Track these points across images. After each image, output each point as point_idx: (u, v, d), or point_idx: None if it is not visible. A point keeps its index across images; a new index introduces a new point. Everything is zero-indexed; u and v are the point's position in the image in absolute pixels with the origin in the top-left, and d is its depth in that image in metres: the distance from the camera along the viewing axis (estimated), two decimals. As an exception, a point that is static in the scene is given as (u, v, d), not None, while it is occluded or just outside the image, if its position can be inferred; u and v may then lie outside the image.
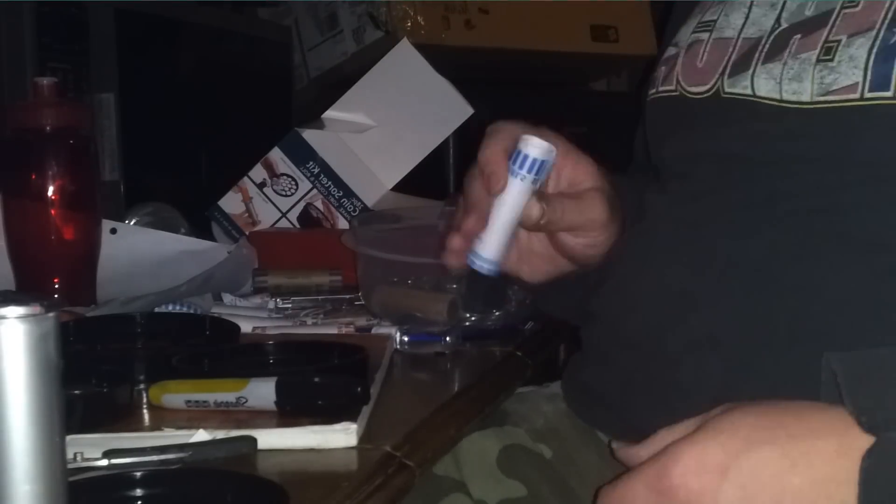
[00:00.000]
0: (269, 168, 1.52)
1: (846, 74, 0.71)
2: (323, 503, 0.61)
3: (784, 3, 0.78)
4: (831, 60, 0.72)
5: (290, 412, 0.73)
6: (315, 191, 1.52)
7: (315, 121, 1.56)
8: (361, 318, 1.11)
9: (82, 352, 0.87)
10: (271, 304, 1.20)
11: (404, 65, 1.55)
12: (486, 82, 1.95)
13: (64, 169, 1.12)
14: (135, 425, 0.72)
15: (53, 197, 1.11)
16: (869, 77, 0.70)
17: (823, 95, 0.72)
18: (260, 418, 0.73)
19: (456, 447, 0.86)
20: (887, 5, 0.71)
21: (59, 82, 1.18)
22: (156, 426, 0.71)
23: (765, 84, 0.76)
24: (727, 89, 0.78)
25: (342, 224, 1.51)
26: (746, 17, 0.80)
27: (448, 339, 1.00)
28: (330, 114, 1.57)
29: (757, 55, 0.78)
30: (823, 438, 0.58)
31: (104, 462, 0.64)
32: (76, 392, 0.71)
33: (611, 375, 0.84)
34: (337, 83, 1.76)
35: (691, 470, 0.59)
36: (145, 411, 0.78)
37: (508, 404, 0.95)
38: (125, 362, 0.85)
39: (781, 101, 0.75)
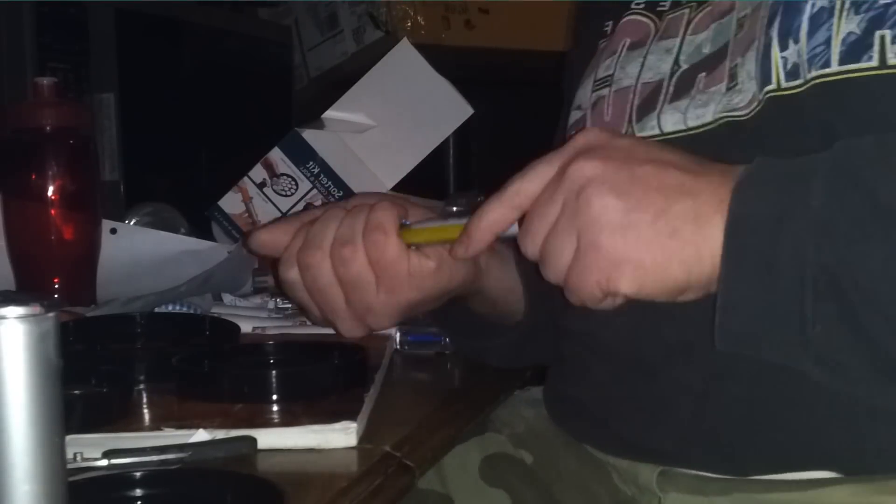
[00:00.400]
0: (269, 168, 1.52)
1: (748, 91, 0.73)
2: (323, 503, 0.61)
3: (680, 47, 0.80)
4: (736, 84, 0.74)
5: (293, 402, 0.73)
6: (315, 191, 1.52)
7: (315, 121, 1.56)
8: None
9: (82, 352, 0.87)
10: (271, 304, 1.20)
11: (404, 65, 1.55)
12: (486, 82, 1.95)
13: (64, 169, 1.12)
14: (134, 425, 0.72)
15: (53, 197, 1.11)
16: (759, 80, 0.72)
17: (725, 112, 0.74)
18: (259, 418, 0.73)
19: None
20: (761, 14, 0.73)
21: (59, 82, 1.18)
22: (155, 426, 0.71)
23: (671, 118, 0.78)
24: (637, 134, 0.80)
25: (342, 224, 1.51)
26: (642, 66, 0.82)
27: (448, 339, 1.00)
28: (330, 114, 1.57)
29: (662, 96, 0.79)
30: (709, 160, 0.67)
31: (104, 462, 0.64)
32: (76, 392, 0.71)
33: (590, 387, 0.84)
34: (337, 83, 1.76)
35: (595, 128, 0.69)
36: (145, 411, 0.78)
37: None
38: (125, 362, 0.85)
39: (687, 129, 0.77)
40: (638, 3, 0.86)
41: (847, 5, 0.68)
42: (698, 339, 0.70)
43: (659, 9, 0.84)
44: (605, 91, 0.84)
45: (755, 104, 0.72)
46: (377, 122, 1.56)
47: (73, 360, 0.66)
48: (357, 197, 0.87)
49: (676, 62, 0.80)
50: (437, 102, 1.56)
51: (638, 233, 0.63)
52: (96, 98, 1.41)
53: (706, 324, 0.64)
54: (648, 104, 0.80)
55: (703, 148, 0.71)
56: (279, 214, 1.52)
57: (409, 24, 1.90)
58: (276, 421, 0.73)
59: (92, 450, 0.64)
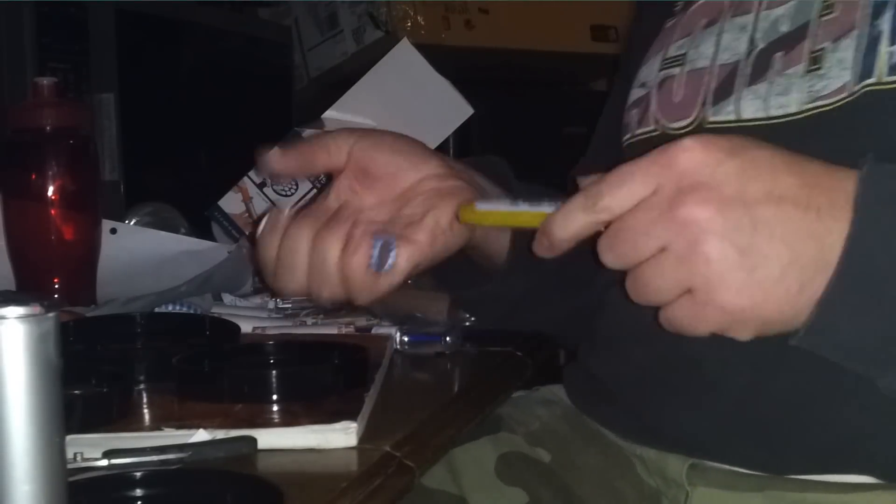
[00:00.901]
0: (269, 168, 1.51)
1: (836, 78, 0.71)
2: (323, 503, 0.61)
3: (756, 24, 0.77)
4: (820, 69, 0.72)
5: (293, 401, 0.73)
6: (315, 191, 1.52)
7: (315, 121, 1.56)
8: (361, 318, 1.11)
9: (82, 352, 0.87)
10: (271, 304, 1.20)
11: (404, 65, 1.55)
12: (486, 82, 1.95)
13: (64, 169, 1.12)
14: (134, 425, 0.72)
15: (53, 197, 1.11)
16: (858, 72, 0.70)
17: (811, 102, 0.72)
18: (260, 418, 0.73)
19: (450, 459, 0.85)
20: (862, 3, 0.71)
21: (59, 82, 1.18)
22: (155, 426, 0.71)
23: (750, 105, 0.75)
24: (711, 118, 0.77)
25: (342, 224, 1.50)
26: (717, 45, 0.79)
27: (448, 339, 1.00)
28: (330, 114, 1.56)
29: (739, 79, 0.77)
30: (813, 161, 0.61)
31: (104, 462, 0.64)
32: (76, 392, 0.71)
33: (625, 370, 0.82)
34: (337, 83, 1.76)
35: (697, 146, 0.60)
36: (145, 411, 0.78)
37: (501, 409, 0.94)
38: (125, 362, 0.85)
39: (768, 118, 0.74)
40: None
41: None
42: None
43: None
44: (676, 70, 0.82)
45: (845, 94, 0.70)
46: (377, 122, 1.56)
47: (73, 360, 0.66)
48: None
49: (752, 41, 0.77)
50: (437, 102, 1.56)
51: (765, 293, 0.59)
52: (96, 98, 1.41)
53: None
54: (725, 87, 0.77)
55: (787, 139, 0.68)
56: (279, 214, 1.52)
57: (409, 24, 1.90)
58: (276, 421, 0.73)
59: (92, 450, 0.64)
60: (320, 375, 0.80)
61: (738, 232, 0.58)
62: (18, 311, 0.43)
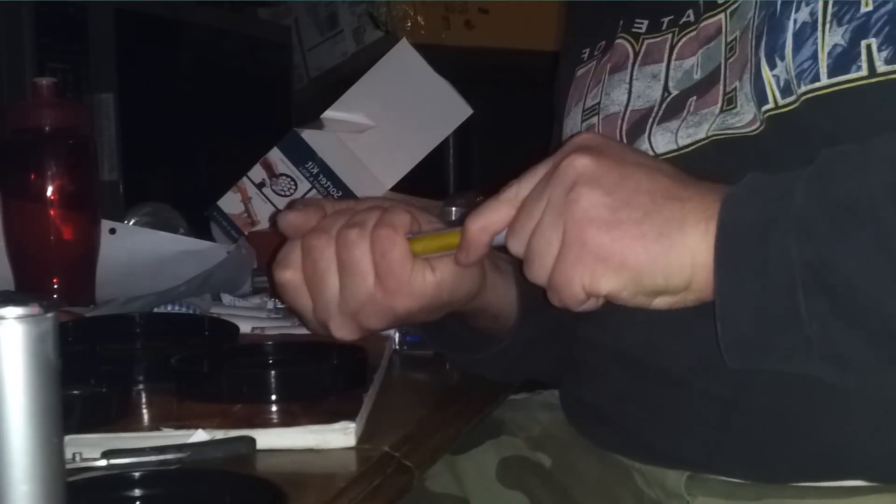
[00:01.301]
0: (269, 168, 1.52)
1: (747, 112, 0.73)
2: (321, 503, 0.61)
3: (668, 73, 0.80)
4: (735, 107, 0.74)
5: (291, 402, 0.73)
6: (314, 191, 1.52)
7: (314, 121, 1.56)
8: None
9: (81, 352, 0.87)
10: (270, 305, 1.20)
11: (404, 65, 1.55)
12: (486, 82, 1.95)
13: (63, 169, 1.12)
14: (134, 425, 0.72)
15: (53, 197, 1.11)
16: (755, 101, 0.72)
17: (721, 131, 0.74)
18: (258, 418, 0.73)
19: (453, 463, 0.86)
20: (749, 36, 0.74)
21: (59, 82, 1.18)
22: (154, 426, 0.71)
23: (662, 139, 0.78)
24: None
25: (342, 224, 1.50)
26: (629, 92, 0.82)
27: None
28: (329, 114, 1.57)
29: (651, 119, 0.79)
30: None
31: (103, 462, 0.64)
32: (75, 392, 0.71)
33: (611, 395, 0.83)
34: (337, 83, 1.76)
35: (591, 133, 0.71)
36: (144, 411, 0.78)
37: (502, 412, 0.94)
38: (124, 363, 0.85)
39: (679, 148, 0.77)
40: (619, 26, 0.86)
41: (829, 18, 0.69)
42: None
43: (634, 30, 0.85)
44: (595, 119, 0.85)
45: (757, 124, 0.72)
46: (377, 122, 1.56)
47: (73, 361, 0.66)
48: (370, 199, 0.86)
49: (666, 88, 0.80)
50: (437, 102, 1.56)
51: (624, 232, 0.63)
52: (96, 98, 1.41)
53: None
54: (638, 127, 0.80)
55: (698, 166, 0.71)
56: (279, 215, 1.52)
57: (409, 24, 1.90)
58: (275, 421, 0.73)
59: (91, 450, 0.64)
60: (319, 376, 0.80)
61: (607, 177, 0.65)
62: (17, 311, 0.43)
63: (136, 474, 0.62)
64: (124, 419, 0.73)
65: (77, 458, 0.63)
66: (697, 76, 0.78)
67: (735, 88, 0.74)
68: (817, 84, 0.68)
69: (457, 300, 0.80)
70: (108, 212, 1.26)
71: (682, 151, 0.76)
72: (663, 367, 0.77)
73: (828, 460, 0.71)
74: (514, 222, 0.69)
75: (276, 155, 1.51)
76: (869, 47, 0.67)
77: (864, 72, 0.67)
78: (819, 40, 0.69)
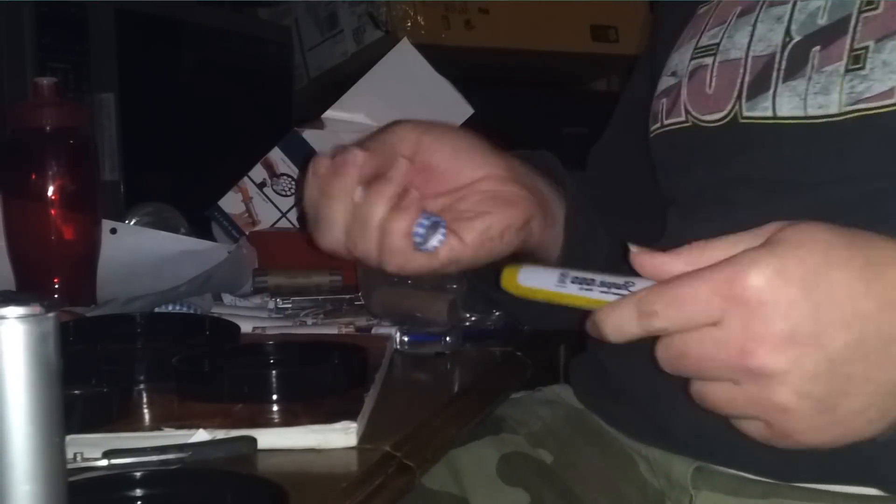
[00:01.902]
0: (269, 168, 1.52)
1: (881, 81, 0.68)
2: (322, 503, 0.61)
3: (792, 15, 0.75)
4: (862, 69, 0.69)
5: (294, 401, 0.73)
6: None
7: (315, 121, 1.56)
8: (361, 318, 1.11)
9: (82, 352, 0.87)
10: (271, 305, 1.20)
11: (404, 65, 1.55)
12: (486, 82, 1.95)
13: (64, 169, 1.12)
14: (135, 425, 0.72)
15: (53, 197, 1.11)
16: None
17: (853, 105, 0.69)
18: (260, 418, 0.73)
19: (452, 460, 0.85)
20: None
21: (59, 82, 1.18)
22: (155, 426, 0.71)
23: (787, 102, 0.73)
24: (746, 113, 0.75)
25: (342, 224, 1.50)
26: (752, 35, 0.76)
27: (448, 339, 1.00)
28: (330, 114, 1.57)
29: (775, 73, 0.74)
30: (891, 263, 0.56)
31: (104, 462, 0.64)
32: (76, 392, 0.71)
33: (634, 366, 0.80)
34: (337, 83, 1.76)
35: (768, 278, 0.54)
36: (145, 411, 0.78)
37: (502, 410, 0.93)
38: (125, 362, 0.85)
39: (807, 117, 0.71)
40: None
41: None
42: None
43: None
44: (709, 60, 0.79)
45: (893, 99, 0.67)
46: (377, 122, 1.55)
47: (73, 360, 0.66)
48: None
49: (788, 32, 0.74)
50: (437, 102, 1.56)
51: (846, 428, 0.57)
52: (96, 98, 1.41)
53: None
54: (761, 81, 0.75)
55: (827, 140, 0.66)
56: (279, 215, 1.52)
57: (409, 24, 1.90)
58: (276, 421, 0.73)
59: (92, 450, 0.64)
60: (320, 375, 0.80)
61: (815, 381, 0.55)
62: (18, 311, 0.43)
63: (138, 474, 0.62)
64: (125, 419, 0.73)
65: (78, 458, 0.63)
66: (822, 21, 0.72)
67: (867, 48, 0.69)
68: None
69: (497, 255, 0.78)
70: (109, 212, 1.26)
71: (813, 122, 0.71)
72: None
73: (845, 463, 0.69)
74: (673, 360, 0.58)
75: (276, 155, 1.51)
76: None
77: None
78: None
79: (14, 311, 0.43)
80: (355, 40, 2.01)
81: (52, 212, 1.12)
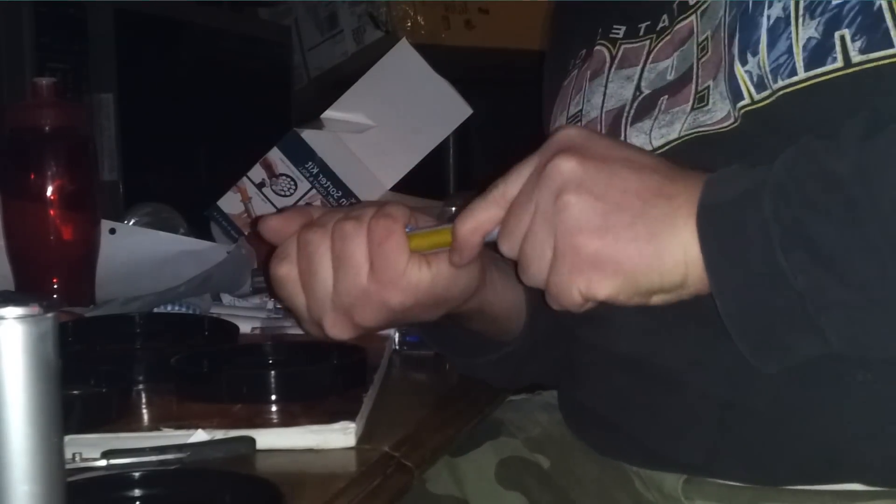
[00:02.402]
0: (268, 168, 1.52)
1: (720, 110, 0.73)
2: (321, 503, 0.61)
3: (641, 74, 0.80)
4: (706, 105, 0.74)
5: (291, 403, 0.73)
6: (314, 191, 1.52)
7: (314, 121, 1.56)
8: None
9: (81, 352, 0.87)
10: (270, 305, 1.20)
11: (404, 65, 1.55)
12: (486, 82, 1.95)
13: (63, 169, 1.12)
14: (133, 425, 0.72)
15: (52, 197, 1.11)
16: (730, 98, 0.73)
17: (693, 130, 0.75)
18: (258, 418, 0.73)
19: (453, 465, 0.86)
20: (722, 35, 0.74)
21: (59, 82, 1.18)
22: (154, 426, 0.71)
23: (636, 141, 0.78)
24: None
25: (341, 224, 1.50)
26: (604, 94, 0.82)
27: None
28: (329, 114, 1.57)
29: (624, 121, 0.80)
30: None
31: (103, 462, 0.64)
32: (75, 392, 0.71)
33: (609, 398, 0.83)
34: (337, 83, 1.76)
35: (575, 126, 0.69)
36: (144, 411, 0.78)
37: (502, 413, 0.94)
38: (124, 363, 0.85)
39: (653, 148, 0.77)
40: (598, 33, 0.87)
41: (801, 12, 0.69)
42: (720, 349, 0.70)
43: (612, 35, 0.85)
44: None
45: (731, 121, 0.73)
46: (376, 122, 1.56)
47: (72, 361, 0.66)
48: (364, 203, 0.84)
49: (638, 88, 0.80)
50: (437, 102, 1.56)
51: (616, 236, 0.63)
52: (95, 98, 1.41)
53: (725, 335, 0.63)
54: (613, 130, 0.80)
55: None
56: (278, 215, 1.52)
57: (409, 24, 1.90)
58: (275, 421, 0.73)
59: (91, 450, 0.64)
60: (319, 376, 0.80)
61: (595, 181, 0.64)
62: (17, 311, 0.43)
63: (136, 474, 0.62)
64: (124, 419, 0.73)
65: (77, 458, 0.63)
66: (671, 77, 0.79)
67: (708, 87, 0.75)
68: (794, 78, 0.69)
69: (452, 297, 0.78)
70: (108, 212, 1.26)
71: (657, 152, 0.76)
72: (660, 369, 0.77)
73: (825, 463, 0.71)
74: (503, 226, 0.68)
75: (276, 155, 1.51)
76: (843, 38, 0.67)
77: (839, 62, 0.67)
78: (793, 34, 0.69)
79: (13, 312, 0.43)
80: (355, 40, 2.01)
81: (51, 212, 1.12)
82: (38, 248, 1.13)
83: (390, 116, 1.55)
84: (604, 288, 0.64)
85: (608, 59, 0.84)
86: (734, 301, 0.63)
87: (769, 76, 0.70)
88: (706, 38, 0.76)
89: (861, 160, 0.60)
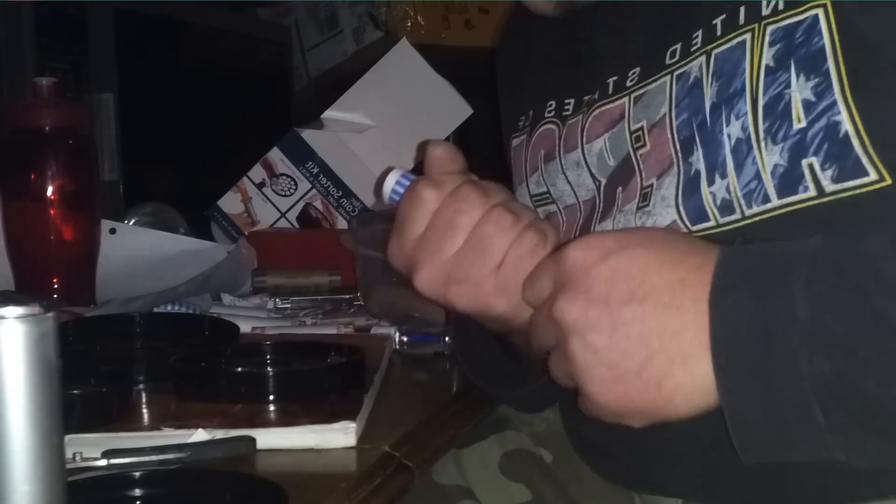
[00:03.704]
0: (269, 168, 1.52)
1: (662, 216, 0.72)
2: (322, 503, 0.61)
3: (585, 159, 0.80)
4: (647, 205, 0.73)
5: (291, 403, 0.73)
6: (314, 191, 1.53)
7: (314, 121, 1.56)
8: (361, 318, 1.11)
9: (81, 352, 0.87)
10: (270, 305, 1.20)
11: (404, 65, 1.55)
12: (487, 82, 1.95)
13: (63, 169, 1.12)
14: (134, 425, 0.72)
15: (53, 197, 1.12)
16: (683, 213, 0.71)
17: None
18: (259, 418, 0.73)
19: (458, 457, 0.86)
20: (670, 136, 0.72)
21: (59, 82, 1.18)
22: (155, 426, 0.71)
23: None
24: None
25: (341, 224, 1.51)
26: (570, 183, 0.82)
27: (447, 339, 1.00)
28: (329, 114, 1.57)
29: (595, 216, 0.79)
30: (693, 254, 0.62)
31: (103, 462, 0.64)
32: (75, 392, 0.71)
33: (601, 429, 0.83)
34: (337, 83, 1.76)
35: (581, 246, 0.64)
36: (144, 411, 0.78)
37: (507, 409, 0.94)
38: (124, 362, 0.85)
39: None
40: (549, 110, 0.85)
41: (762, 135, 0.67)
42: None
43: (564, 113, 0.84)
44: (553, 207, 0.84)
45: None
46: (377, 122, 1.56)
47: (73, 360, 0.66)
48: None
49: (593, 176, 0.79)
50: (437, 102, 1.56)
51: (627, 387, 0.61)
52: (96, 98, 1.41)
53: None
54: (586, 227, 0.80)
55: None
56: (278, 215, 1.52)
57: (409, 24, 1.90)
58: (275, 421, 0.73)
59: (91, 449, 0.64)
60: (319, 376, 0.81)
61: (597, 332, 0.61)
62: (18, 311, 0.43)
63: (137, 474, 0.62)
64: (124, 419, 0.73)
65: (77, 458, 0.63)
66: (611, 163, 0.77)
67: (651, 186, 0.73)
68: (769, 205, 0.67)
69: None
70: (109, 212, 1.26)
71: None
72: None
73: (811, 497, 0.71)
74: (530, 332, 0.67)
75: (276, 155, 1.51)
76: (811, 167, 0.65)
77: (812, 192, 0.65)
78: (758, 159, 0.67)
79: (13, 311, 0.43)
80: (355, 40, 2.01)
81: (52, 212, 1.12)
82: (38, 248, 1.13)
83: (390, 116, 1.55)
84: (635, 423, 0.63)
85: (557, 139, 0.83)
86: (752, 440, 0.60)
87: (742, 201, 0.68)
88: (641, 129, 0.74)
89: None
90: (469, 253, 0.71)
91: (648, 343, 0.61)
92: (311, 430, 0.70)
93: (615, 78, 0.78)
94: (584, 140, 0.79)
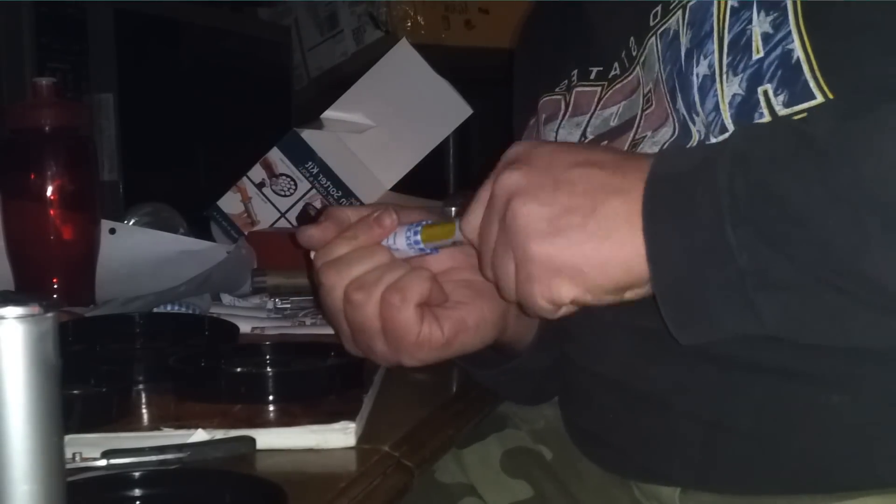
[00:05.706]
0: (268, 168, 1.52)
1: None
2: (321, 503, 0.61)
3: (589, 121, 0.81)
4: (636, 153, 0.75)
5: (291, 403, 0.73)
6: (314, 191, 1.53)
7: (314, 121, 1.56)
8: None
9: (81, 352, 0.87)
10: (270, 305, 1.20)
11: (403, 65, 1.55)
12: (486, 82, 1.95)
13: (63, 169, 1.12)
14: (133, 425, 0.72)
15: (52, 197, 1.12)
16: None
17: None
18: (258, 418, 0.73)
19: (459, 457, 0.87)
20: (663, 91, 0.74)
21: (59, 82, 1.18)
22: (154, 426, 0.71)
23: None
24: None
25: (341, 224, 1.51)
26: (556, 139, 0.83)
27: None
28: (329, 114, 1.57)
29: None
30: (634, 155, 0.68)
31: (103, 462, 0.64)
32: (75, 392, 0.71)
33: (598, 417, 0.83)
34: (337, 83, 1.76)
35: (524, 141, 0.69)
36: (144, 411, 0.78)
37: (508, 407, 0.95)
38: (124, 362, 0.85)
39: None
40: (555, 83, 0.87)
41: (725, 69, 0.69)
42: (704, 372, 0.70)
43: (570, 82, 0.85)
44: None
45: None
46: (376, 122, 1.56)
47: (72, 360, 0.66)
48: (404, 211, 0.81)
49: (584, 133, 0.81)
50: (437, 102, 1.56)
51: (569, 238, 0.62)
52: (95, 98, 1.41)
53: (708, 357, 0.63)
54: None
55: None
56: (278, 215, 1.52)
57: (409, 24, 1.90)
58: (274, 421, 0.73)
59: (91, 450, 0.64)
60: (319, 375, 0.80)
61: (540, 188, 0.64)
62: (17, 311, 0.43)
63: (136, 474, 0.62)
64: (124, 419, 0.73)
65: (77, 458, 0.63)
66: (614, 123, 0.79)
67: (644, 137, 0.75)
68: (726, 135, 0.68)
69: (470, 350, 0.80)
70: (108, 212, 1.26)
71: None
72: (645, 391, 0.77)
73: (813, 479, 0.71)
74: (478, 254, 0.69)
75: (276, 155, 1.51)
76: (766, 93, 0.66)
77: (766, 118, 0.67)
78: (718, 91, 0.69)
79: (13, 312, 0.43)
80: (355, 40, 2.01)
81: (51, 212, 1.12)
82: (38, 248, 1.13)
83: (390, 116, 1.55)
84: (566, 292, 0.63)
85: (563, 107, 0.85)
86: (670, 273, 0.61)
87: (708, 135, 0.70)
88: (650, 91, 0.76)
89: (840, 126, 0.59)
90: (360, 337, 0.78)
91: (594, 199, 0.62)
92: (310, 430, 0.70)
93: (624, 52, 0.80)
94: (598, 107, 0.81)
